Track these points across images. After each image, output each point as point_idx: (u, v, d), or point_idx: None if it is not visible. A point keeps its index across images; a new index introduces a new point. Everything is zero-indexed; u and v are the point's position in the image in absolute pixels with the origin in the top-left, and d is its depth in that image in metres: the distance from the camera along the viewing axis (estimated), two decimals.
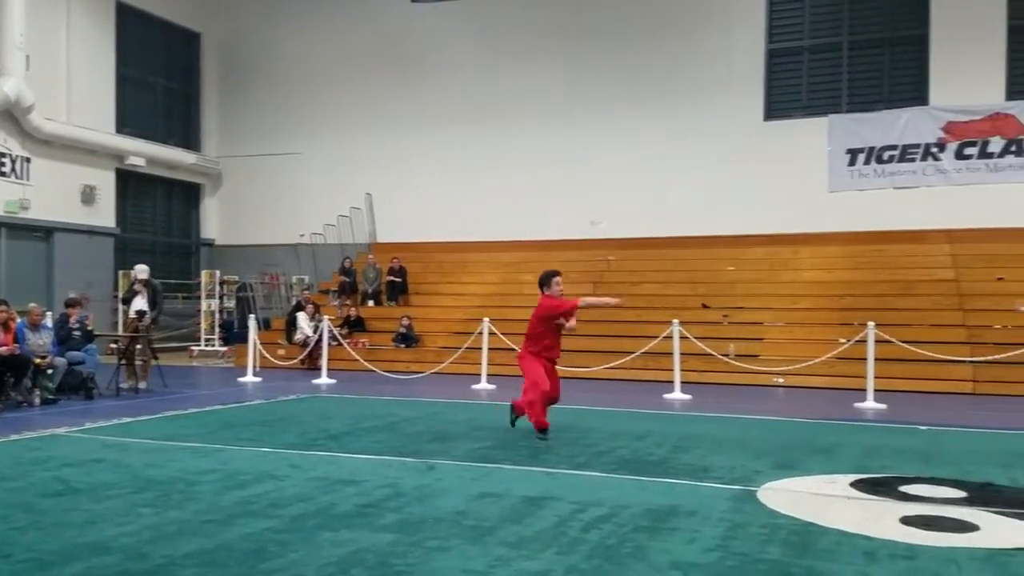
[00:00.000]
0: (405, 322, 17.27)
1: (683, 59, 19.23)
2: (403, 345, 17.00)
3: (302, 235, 21.61)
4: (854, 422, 9.85)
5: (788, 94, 18.95)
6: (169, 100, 22.94)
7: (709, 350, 13.33)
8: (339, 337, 15.78)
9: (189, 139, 23.25)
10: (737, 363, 13.73)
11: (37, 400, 10.52)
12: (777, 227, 18.04)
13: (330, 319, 15.69)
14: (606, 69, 19.80)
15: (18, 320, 10.92)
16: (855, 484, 6.19)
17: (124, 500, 5.47)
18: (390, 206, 21.58)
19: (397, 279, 19.30)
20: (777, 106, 18.91)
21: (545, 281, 8.67)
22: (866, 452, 7.61)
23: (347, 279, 19.56)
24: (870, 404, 11.25)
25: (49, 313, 12.72)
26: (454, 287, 19.61)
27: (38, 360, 10.63)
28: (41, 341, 10.97)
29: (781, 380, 13.66)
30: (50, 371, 10.82)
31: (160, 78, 22.50)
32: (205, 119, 23.66)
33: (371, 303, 19.34)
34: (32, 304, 11.63)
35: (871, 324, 11.92)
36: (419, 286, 19.73)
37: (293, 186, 22.40)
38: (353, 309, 18.38)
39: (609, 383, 13.69)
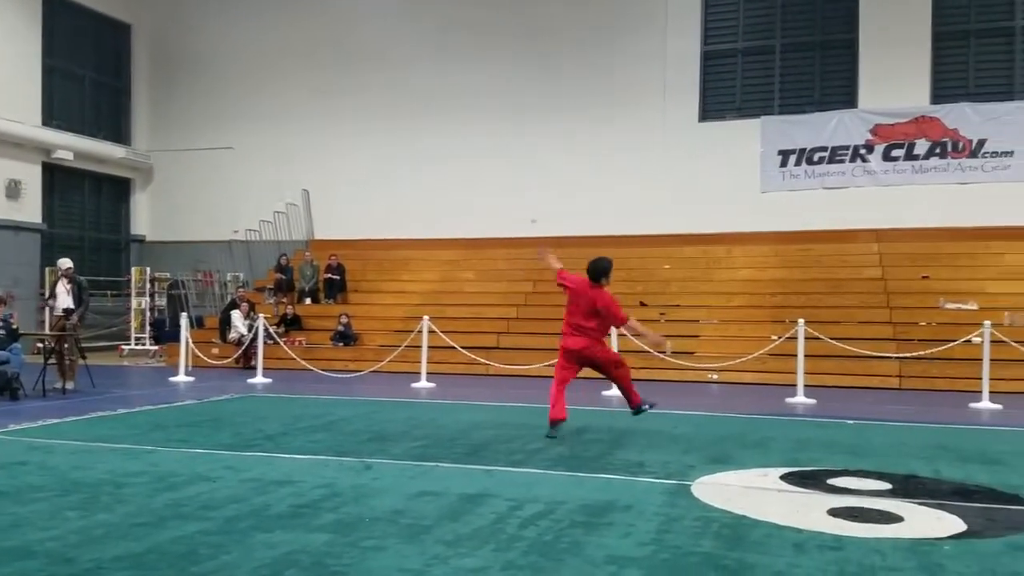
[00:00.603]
0: (343, 320, 17.10)
1: (622, 60, 19.44)
2: (341, 344, 16.83)
3: (236, 231, 21.19)
4: (785, 417, 10.11)
5: (722, 96, 19.31)
6: (98, 92, 22.27)
7: (646, 347, 13.51)
8: (275, 336, 15.55)
9: (119, 133, 22.61)
10: (673, 360, 13.95)
11: None
12: (712, 227, 18.39)
13: (266, 317, 15.43)
14: (547, 69, 19.90)
15: None
16: (785, 477, 6.34)
17: (50, 503, 5.30)
18: (328, 202, 21.32)
19: (335, 277, 19.08)
20: (712, 108, 19.26)
21: (605, 272, 8.50)
22: (796, 446, 7.81)
23: (283, 277, 19.26)
24: (800, 399, 11.56)
25: None
26: (393, 285, 19.49)
27: None
28: None
29: (715, 376, 13.95)
30: None
31: (89, 70, 21.83)
32: (136, 112, 23.03)
33: (308, 301, 19.09)
34: None
35: (801, 321, 12.25)
36: (358, 284, 19.55)
37: (227, 181, 21.96)
38: (290, 307, 18.12)
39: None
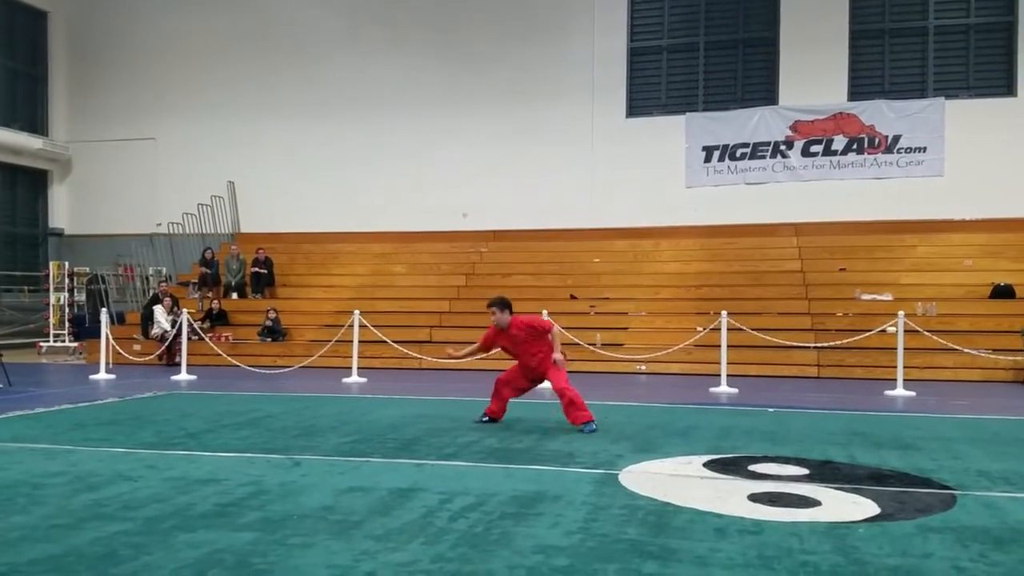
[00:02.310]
0: (271, 315, 16.82)
1: (550, 56, 19.58)
2: (269, 339, 16.56)
3: (159, 224, 20.66)
4: (709, 406, 10.35)
5: (649, 93, 19.62)
6: (13, 81, 21.42)
7: (577, 340, 13.68)
8: (200, 331, 15.22)
9: (35, 123, 21.80)
10: (603, 352, 14.15)
11: None
12: (639, 221, 18.71)
13: (190, 312, 15.09)
14: (476, 64, 19.92)
15: None
16: (708, 464, 6.50)
17: None
18: (255, 195, 20.94)
19: (262, 270, 18.76)
20: (638, 104, 19.55)
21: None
22: (719, 434, 8.01)
23: (208, 271, 18.85)
24: (724, 388, 11.86)
25: None
26: (323, 279, 19.26)
27: None
28: None
29: (643, 368, 14.19)
30: None
31: (3, 58, 20.96)
32: (53, 102, 22.22)
33: (235, 295, 18.72)
34: None
35: (724, 313, 12.56)
36: (286, 278, 19.26)
37: (150, 173, 21.39)
38: (215, 302, 17.75)
39: (478, 373, 13.78)
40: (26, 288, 20.63)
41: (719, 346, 12.28)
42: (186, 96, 21.34)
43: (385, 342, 14.09)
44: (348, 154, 20.43)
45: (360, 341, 13.65)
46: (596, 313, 16.19)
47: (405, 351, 14.28)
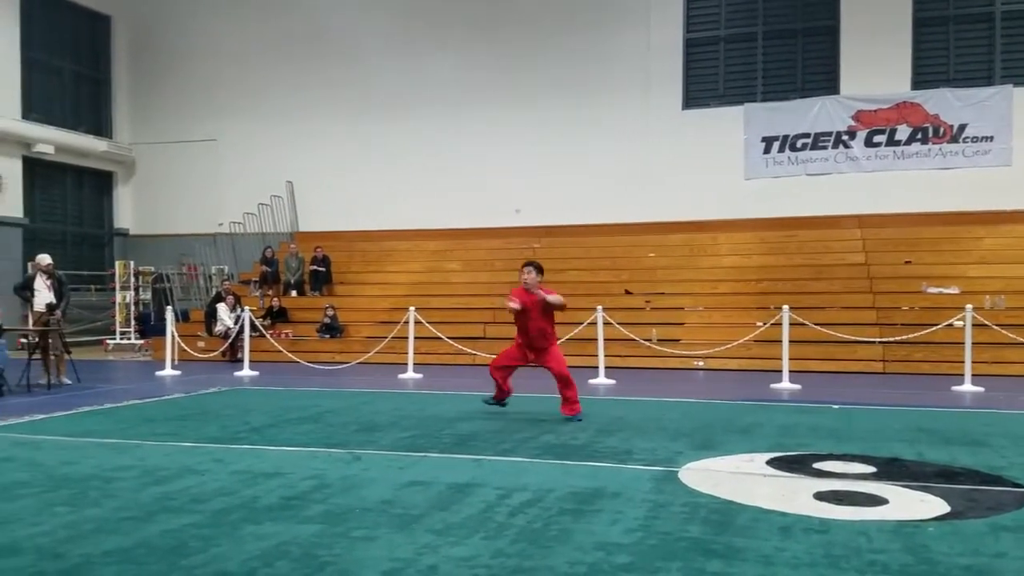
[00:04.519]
0: (329, 312, 17.06)
1: (605, 49, 19.44)
2: (327, 335, 16.79)
3: (221, 224, 21.09)
4: (770, 402, 10.18)
5: (705, 84, 19.35)
6: (78, 85, 22.06)
7: (632, 335, 13.58)
8: (261, 328, 15.50)
9: (100, 126, 22.42)
10: (659, 348, 14.03)
11: None
12: (696, 214, 18.47)
13: (252, 310, 15.38)
14: (529, 59, 19.86)
15: None
16: (771, 462, 6.39)
17: (37, 499, 5.28)
18: (313, 194, 21.24)
19: (320, 268, 19.03)
20: (695, 95, 19.29)
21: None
22: (782, 431, 7.87)
23: (269, 269, 19.19)
24: (785, 385, 11.64)
25: None
26: (379, 276, 19.45)
27: None
28: None
29: (701, 363, 14.02)
30: None
31: (68, 62, 21.62)
32: (117, 105, 22.84)
33: (294, 293, 19.03)
34: None
35: (786, 307, 12.32)
36: (343, 275, 19.51)
37: (211, 174, 21.84)
38: (275, 299, 18.06)
39: (534, 370, 13.73)
40: (93, 287, 21.25)
41: (780, 341, 12.05)
42: (245, 98, 21.74)
43: (440, 338, 14.17)
44: (402, 152, 20.58)
45: (415, 337, 13.75)
46: (651, 308, 16.05)
47: (460, 347, 14.34)
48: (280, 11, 21.45)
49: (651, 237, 18.45)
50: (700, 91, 19.32)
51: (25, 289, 12.72)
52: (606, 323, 12.88)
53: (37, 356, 12.05)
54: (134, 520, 4.79)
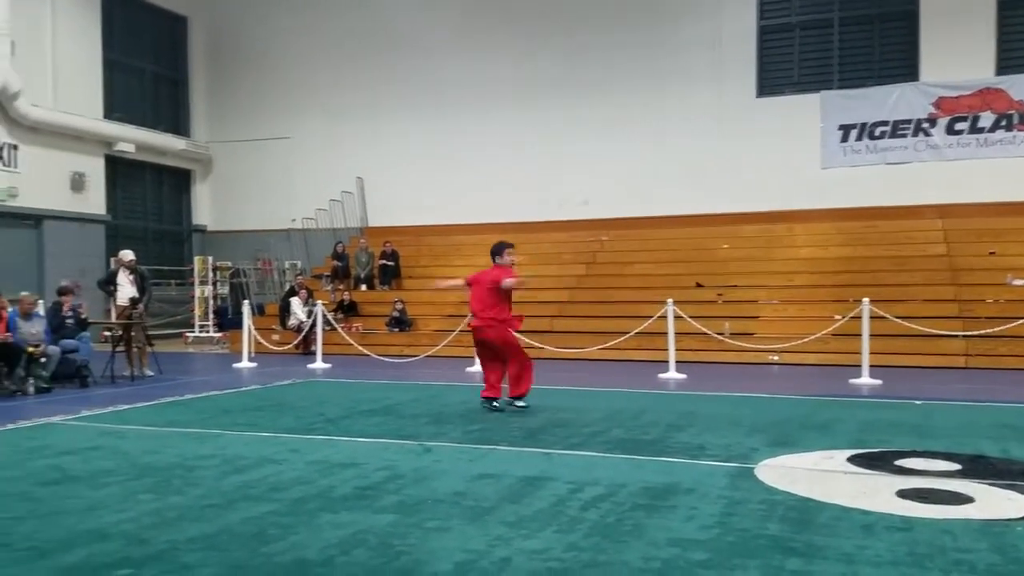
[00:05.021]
0: (398, 306, 17.26)
1: (675, 38, 19.17)
2: (397, 329, 17.00)
3: (294, 220, 21.53)
4: (850, 398, 9.91)
5: (780, 71, 18.91)
6: (157, 85, 22.76)
7: (704, 329, 13.37)
8: (333, 322, 15.77)
9: (178, 124, 23.09)
10: (732, 342, 13.77)
11: (31, 389, 10.49)
12: (771, 204, 18.08)
13: (323, 304, 15.66)
14: (597, 50, 19.71)
15: (10, 309, 10.86)
16: (852, 459, 6.22)
17: (123, 487, 5.46)
18: (381, 189, 21.51)
19: (389, 263, 19.27)
20: (769, 83, 18.88)
21: (498, 251, 9.31)
22: (862, 427, 7.66)
23: (340, 263, 19.52)
24: (865, 380, 11.30)
25: (41, 302, 12.65)
26: (446, 270, 19.50)
27: (31, 349, 10.58)
28: (34, 330, 10.93)
29: (776, 358, 13.72)
30: (44, 360, 10.77)
31: (148, 63, 22.31)
32: (194, 104, 23.49)
33: (364, 287, 19.31)
34: (24, 293, 11.58)
35: (865, 300, 11.96)
36: (412, 269, 19.71)
37: (284, 170, 22.30)
38: (346, 293, 18.36)
39: (602, 364, 13.72)
40: (173, 282, 21.93)
41: (859, 335, 11.69)
42: (316, 96, 22.11)
43: None
44: (468, 147, 20.67)
45: None
46: (724, 301, 15.78)
47: (527, 340, 14.27)
48: (348, 10, 21.73)
49: (724, 228, 18.13)
50: (774, 79, 18.88)
51: (109, 284, 13.22)
52: (677, 317, 12.70)
53: (121, 349, 12.49)
54: (216, 508, 4.92)
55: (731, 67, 18.82)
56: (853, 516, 4.68)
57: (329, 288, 19.17)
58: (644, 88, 19.28)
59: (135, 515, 4.76)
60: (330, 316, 15.79)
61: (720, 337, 13.71)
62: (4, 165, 17.87)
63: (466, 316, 14.20)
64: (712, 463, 6.11)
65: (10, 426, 7.91)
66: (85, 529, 4.48)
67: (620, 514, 4.73)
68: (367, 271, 19.44)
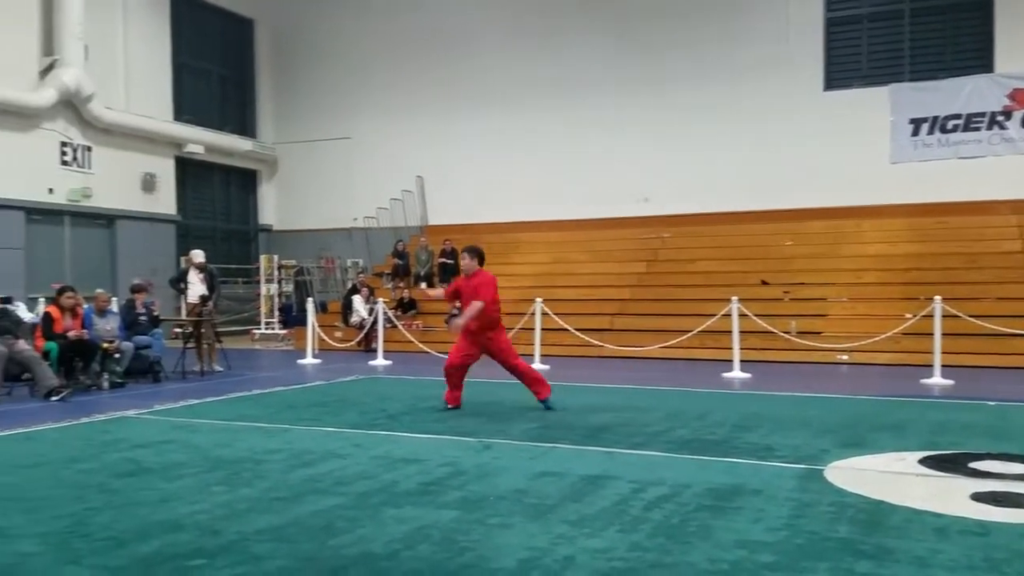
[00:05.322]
0: (458, 304, 17.30)
1: (740, 31, 18.86)
2: None
3: (356, 219, 21.83)
4: (921, 398, 9.64)
5: (848, 64, 18.45)
6: (224, 87, 23.28)
7: (770, 327, 13.12)
8: (394, 319, 15.93)
9: (245, 126, 23.59)
10: (799, 340, 13.50)
11: (106, 384, 10.83)
12: (838, 200, 17.66)
13: (384, 301, 15.83)
14: (657, 45, 19.48)
15: (85, 306, 11.24)
16: (924, 461, 6.06)
17: (195, 479, 5.61)
18: (441, 188, 21.66)
19: (449, 261, 19.35)
20: (837, 76, 18.43)
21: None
22: (934, 429, 7.44)
23: (400, 262, 19.71)
24: (937, 380, 10.97)
25: (115, 299, 13.07)
26: (505, 268, 19.54)
27: (106, 345, 10.92)
28: (108, 326, 11.28)
29: (845, 357, 13.39)
30: (117, 355, 11.11)
31: (215, 65, 22.83)
32: (260, 105, 23.98)
33: (424, 285, 19.43)
34: (99, 290, 11.95)
35: (937, 298, 11.60)
36: None
37: (346, 170, 22.61)
38: (406, 291, 18.53)
39: (664, 362, 13.59)
40: (240, 280, 22.43)
41: (931, 334, 11.34)
42: (376, 96, 22.36)
43: (566, 330, 14.13)
44: (527, 144, 20.65)
45: (542, 329, 13.76)
46: (790, 299, 15.47)
47: (586, 339, 14.27)
48: (406, 11, 21.90)
49: (789, 224, 17.77)
50: (842, 72, 18.42)
51: (179, 282, 13.62)
52: (741, 315, 12.50)
53: (191, 345, 12.83)
54: (284, 500, 5.02)
55: (797, 60, 18.42)
56: (925, 519, 4.57)
57: (390, 286, 19.37)
58: (707, 83, 18.99)
59: (207, 507, 4.88)
60: (391, 314, 15.96)
61: (786, 336, 13.44)
62: (78, 166, 18.48)
63: (525, 313, 14.25)
64: (780, 464, 6.00)
65: (85, 420, 8.19)
66: (159, 520, 4.61)
67: (685, 515, 4.67)
68: (427, 269, 19.59)
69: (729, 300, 12.64)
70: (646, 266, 18.02)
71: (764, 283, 16.16)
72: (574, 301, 16.44)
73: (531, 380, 8.77)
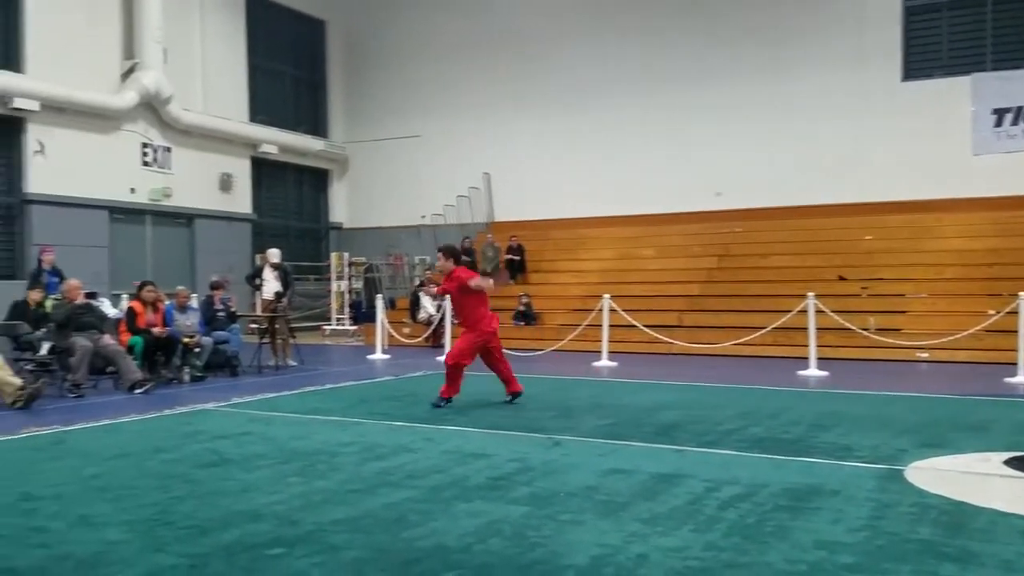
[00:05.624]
0: (524, 300, 17.38)
1: (813, 20, 18.43)
2: (522, 323, 17.11)
3: (423, 216, 22.05)
4: (1006, 398, 9.27)
5: (927, 53, 17.84)
6: (297, 88, 23.74)
7: (848, 324, 12.78)
8: None
9: (317, 126, 24.02)
10: (877, 337, 13.12)
11: (186, 377, 11.19)
12: (917, 193, 17.11)
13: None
14: (730, 34, 19.15)
15: (166, 303, 11.62)
16: (1009, 462, 5.84)
17: (273, 470, 5.75)
18: (507, 185, 21.71)
19: (515, 257, 19.42)
20: (916, 66, 17.84)
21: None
22: (1019, 428, 7.19)
23: (467, 258, 19.77)
24: (1021, 379, 10.53)
25: (194, 295, 13.46)
26: (572, 264, 19.56)
27: (186, 340, 11.28)
28: (189, 322, 11.63)
29: (925, 355, 12.97)
30: (197, 350, 11.47)
31: (288, 66, 23.30)
32: (331, 105, 24.38)
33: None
34: (180, 287, 12.35)
35: (1022, 294, 11.12)
36: (537, 264, 19.80)
37: (414, 168, 22.84)
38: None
39: (736, 360, 13.38)
40: (311, 277, 22.88)
41: (1015, 332, 10.89)
42: (445, 94, 22.53)
43: (635, 326, 14.02)
44: (593, 139, 20.55)
45: (610, 325, 13.68)
46: (868, 295, 15.06)
47: (655, 335, 14.12)
48: (474, 9, 22.01)
49: (867, 219, 17.27)
50: (921, 61, 17.83)
51: (255, 279, 13.98)
52: (818, 311, 12.20)
53: (266, 340, 13.14)
54: (358, 493, 5.10)
55: (874, 50, 17.88)
56: (1012, 521, 4.41)
57: None
58: (780, 72, 18.59)
59: (285, 497, 4.99)
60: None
61: (864, 333, 13.08)
62: (159, 167, 19.08)
63: (592, 309, 14.19)
64: (858, 464, 5.85)
65: (168, 412, 8.47)
66: (240, 510, 4.73)
67: (761, 515, 4.59)
68: (493, 265, 19.64)
69: (803, 296, 12.34)
70: (717, 261, 17.76)
71: (841, 279, 15.76)
72: (642, 297, 16.29)
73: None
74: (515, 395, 8.95)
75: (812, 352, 11.86)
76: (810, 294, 12.28)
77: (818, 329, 12.14)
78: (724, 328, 14.39)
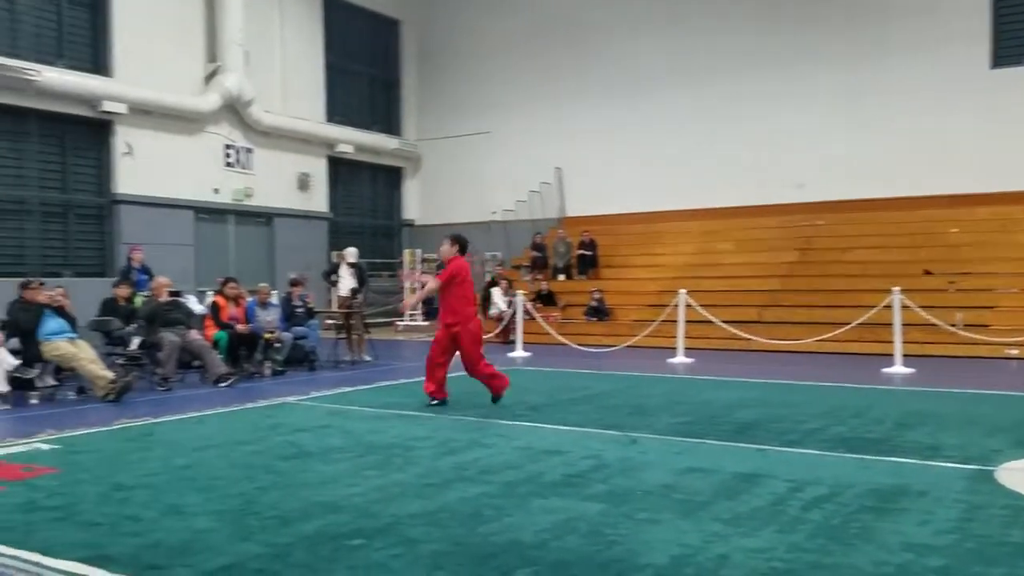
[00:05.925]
0: (596, 295, 17.28)
1: (894, 8, 17.78)
2: (595, 318, 17.02)
3: (494, 212, 22.11)
4: None
5: (1018, 39, 17.02)
6: (372, 88, 24.06)
7: (934, 320, 12.33)
8: (532, 311, 16.03)
9: (391, 124, 24.31)
10: (965, 333, 12.62)
11: (268, 371, 11.49)
12: (1007, 184, 16.35)
13: (523, 294, 15.96)
14: (811, 22, 18.62)
15: (249, 299, 11.95)
16: None
17: (351, 463, 5.85)
18: (579, 179, 21.59)
19: (587, 252, 19.32)
20: (1006, 52, 17.03)
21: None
22: None
23: (538, 254, 19.82)
24: None
25: (274, 292, 13.79)
26: (646, 259, 19.35)
27: (268, 335, 11.58)
28: (270, 318, 11.94)
29: (1015, 351, 12.43)
30: (278, 345, 11.76)
31: (364, 66, 23.62)
32: (404, 104, 24.65)
33: (562, 277, 19.49)
34: (262, 284, 12.67)
35: None
36: (610, 259, 19.65)
37: (485, 164, 22.92)
38: (545, 283, 18.61)
39: (817, 356, 13.03)
40: (385, 274, 23.19)
41: None
42: (515, 90, 22.53)
43: (711, 322, 13.78)
44: (667, 132, 20.25)
45: (686, 321, 13.48)
46: (955, 290, 14.49)
47: (733, 331, 13.85)
48: (544, 5, 21.94)
49: (954, 211, 16.62)
50: (1012, 47, 17.02)
51: (331, 275, 14.29)
52: (903, 306, 11.80)
53: (342, 336, 13.39)
54: (434, 487, 5.15)
55: (961, 36, 17.15)
56: None
57: (528, 278, 19.51)
58: (863, 61, 17.98)
59: (363, 490, 5.07)
60: (529, 306, 16.07)
61: (952, 329, 12.59)
62: (241, 168, 19.59)
63: (668, 305, 14.01)
64: (947, 464, 5.64)
65: (250, 405, 8.70)
66: (320, 501, 4.83)
67: (846, 516, 4.46)
68: (565, 261, 19.61)
69: (888, 291, 11.95)
70: (799, 255, 17.33)
71: (927, 273, 15.21)
72: (720, 292, 16.02)
73: (488, 379, 8.65)
74: (437, 401, 8.52)
75: (897, 348, 11.48)
76: (895, 289, 11.88)
77: (903, 325, 11.74)
78: (805, 324, 14.03)
